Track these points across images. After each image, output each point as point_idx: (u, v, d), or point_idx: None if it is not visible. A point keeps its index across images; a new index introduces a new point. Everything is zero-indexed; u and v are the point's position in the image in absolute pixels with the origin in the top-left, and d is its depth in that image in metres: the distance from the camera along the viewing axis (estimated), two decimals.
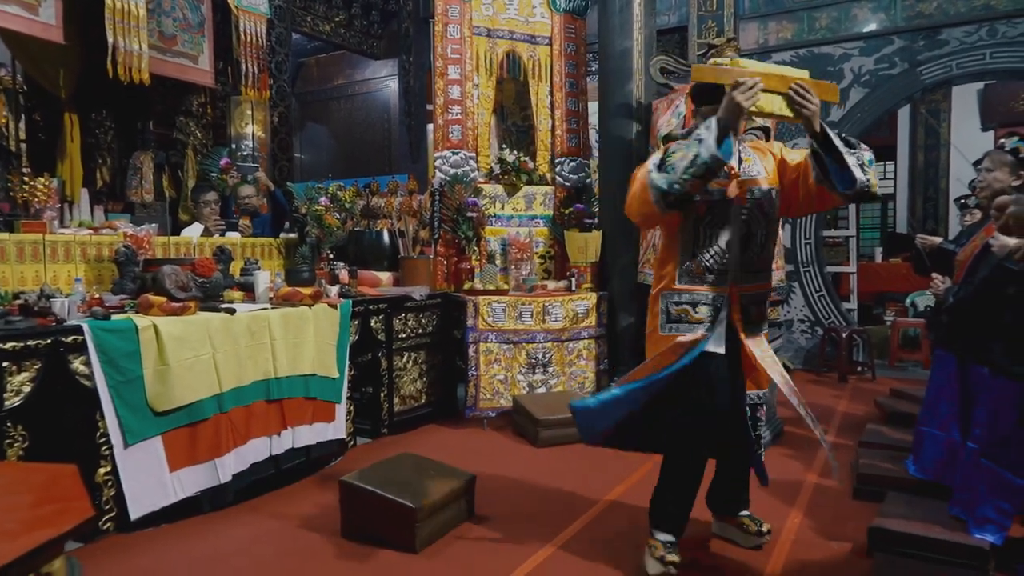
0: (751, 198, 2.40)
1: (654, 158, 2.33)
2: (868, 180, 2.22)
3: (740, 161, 2.41)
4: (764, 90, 2.16)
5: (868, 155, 2.26)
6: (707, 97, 2.39)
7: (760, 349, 2.50)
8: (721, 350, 2.42)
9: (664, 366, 2.44)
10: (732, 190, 2.37)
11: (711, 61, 2.38)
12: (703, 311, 2.43)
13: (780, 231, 2.66)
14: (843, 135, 2.28)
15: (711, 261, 2.41)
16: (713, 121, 2.19)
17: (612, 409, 2.55)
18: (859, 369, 6.44)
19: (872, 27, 6.41)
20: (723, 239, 2.39)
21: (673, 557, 2.46)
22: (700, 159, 2.14)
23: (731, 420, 2.56)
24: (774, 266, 4.61)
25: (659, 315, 2.53)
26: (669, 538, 2.52)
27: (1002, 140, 2.90)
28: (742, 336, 2.46)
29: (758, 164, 2.45)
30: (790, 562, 2.65)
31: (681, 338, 2.43)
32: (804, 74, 2.24)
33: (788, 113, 2.21)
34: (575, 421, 2.72)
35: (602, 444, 2.72)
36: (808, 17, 6.67)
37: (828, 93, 2.27)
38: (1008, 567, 2.53)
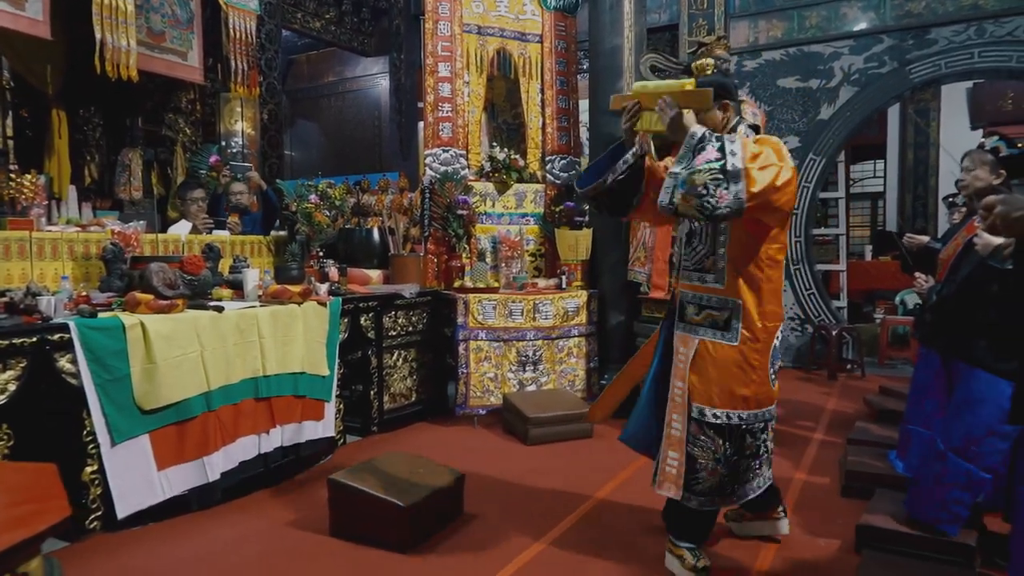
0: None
1: None
2: (672, 203, 2.20)
3: None
4: (646, 108, 2.32)
5: (686, 174, 2.15)
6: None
7: (682, 350, 2.48)
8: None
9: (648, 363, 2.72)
10: None
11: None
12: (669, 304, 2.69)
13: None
14: (700, 145, 2.17)
15: (673, 259, 2.65)
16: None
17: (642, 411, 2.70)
18: (848, 367, 6.48)
19: (862, 26, 6.44)
20: (679, 237, 2.57)
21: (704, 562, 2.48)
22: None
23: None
24: None
25: None
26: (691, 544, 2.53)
27: (982, 139, 2.92)
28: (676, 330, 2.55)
29: None
30: (778, 559, 2.66)
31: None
32: (688, 84, 2.32)
33: (661, 128, 2.30)
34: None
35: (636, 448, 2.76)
36: (798, 16, 6.69)
37: (695, 100, 2.30)
38: (992, 563, 2.55)
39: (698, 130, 2.20)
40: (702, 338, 2.41)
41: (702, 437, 2.37)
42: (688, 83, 2.33)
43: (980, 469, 2.49)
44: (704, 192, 2.11)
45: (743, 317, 2.38)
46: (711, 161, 2.12)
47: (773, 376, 2.46)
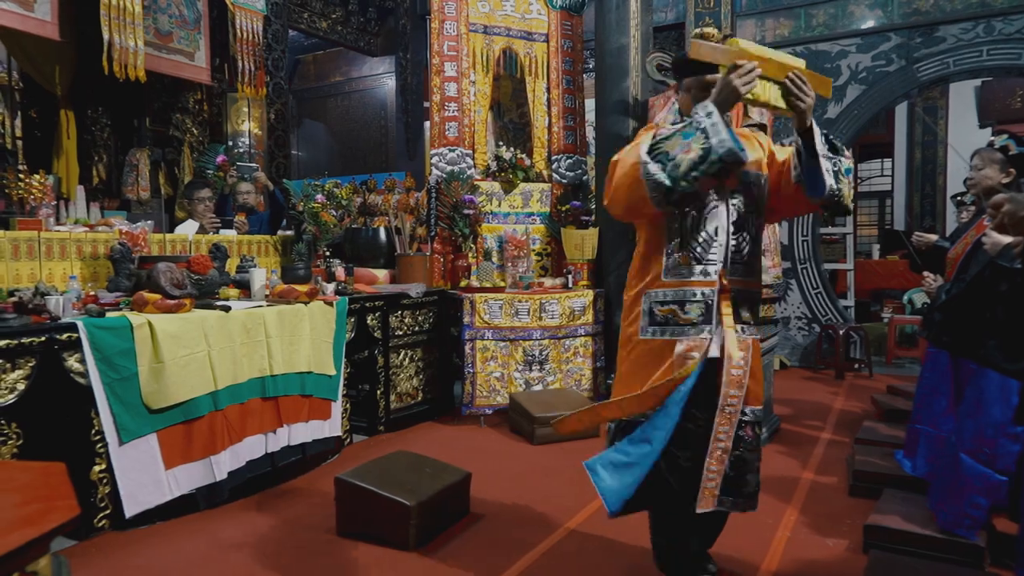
0: (743, 181, 2.15)
1: (643, 144, 2.03)
2: (839, 189, 2.03)
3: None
4: (761, 77, 1.95)
5: (847, 163, 2.09)
6: (690, 68, 2.15)
7: (740, 354, 2.11)
8: (718, 354, 2.08)
9: (674, 387, 2.07)
10: None
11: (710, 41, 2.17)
12: (693, 310, 2.11)
13: (777, 227, 2.55)
14: (830, 137, 2.09)
15: (700, 251, 2.11)
16: (713, 108, 1.93)
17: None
18: (856, 366, 6.45)
19: (869, 24, 6.41)
20: (713, 226, 2.11)
21: None
22: (714, 155, 1.88)
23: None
24: (770, 263, 4.63)
25: (641, 317, 2.18)
26: None
27: (991, 138, 2.91)
28: (727, 337, 2.11)
29: (746, 148, 2.19)
30: (786, 559, 2.65)
31: (681, 347, 2.10)
32: (801, 63, 2.06)
33: (782, 104, 2.04)
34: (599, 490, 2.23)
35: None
36: (805, 14, 6.66)
37: (822, 86, 2.10)
38: (1001, 563, 2.54)
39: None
40: (751, 337, 2.18)
41: (749, 436, 2.19)
42: (799, 62, 2.05)
43: (995, 472, 2.47)
44: (849, 183, 2.09)
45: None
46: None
47: None
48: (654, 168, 1.96)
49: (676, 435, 2.06)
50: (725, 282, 2.11)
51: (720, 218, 2.12)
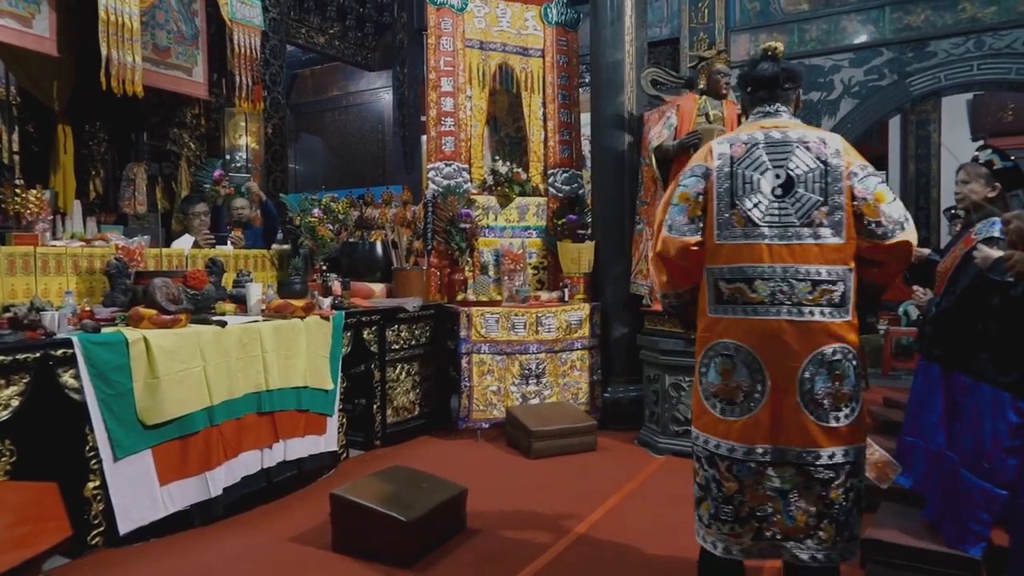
0: None
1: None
2: None
3: None
4: None
5: None
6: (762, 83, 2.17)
7: None
8: None
9: None
10: None
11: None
12: None
13: None
14: None
15: None
16: None
17: None
18: None
19: (862, 39, 6.46)
20: None
21: None
22: None
23: None
24: None
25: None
26: None
27: (975, 152, 2.92)
28: None
29: None
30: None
31: None
32: None
33: None
34: None
35: None
36: (798, 29, 6.71)
37: None
38: None
39: None
40: None
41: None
42: None
43: (995, 486, 2.47)
44: None
45: None
46: None
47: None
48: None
49: None
50: None
51: None
